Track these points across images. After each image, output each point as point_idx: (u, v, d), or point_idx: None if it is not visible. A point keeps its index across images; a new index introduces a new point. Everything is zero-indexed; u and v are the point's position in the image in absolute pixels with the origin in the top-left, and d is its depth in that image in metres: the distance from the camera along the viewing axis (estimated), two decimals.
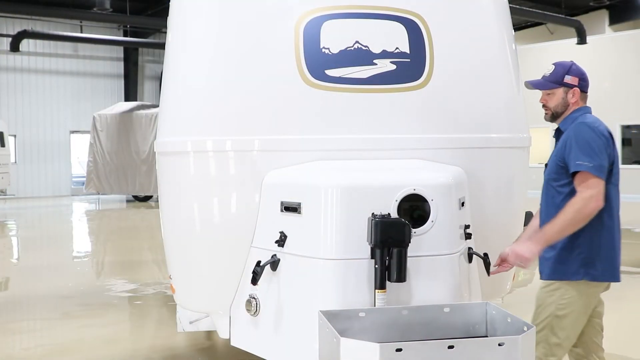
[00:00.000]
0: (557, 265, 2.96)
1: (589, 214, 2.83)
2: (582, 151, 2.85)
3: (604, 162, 2.85)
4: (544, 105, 3.09)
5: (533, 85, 3.13)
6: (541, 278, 3.04)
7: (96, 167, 17.06)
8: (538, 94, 3.20)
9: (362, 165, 3.23)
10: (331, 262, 3.02)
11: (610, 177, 2.92)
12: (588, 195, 2.81)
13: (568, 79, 3.03)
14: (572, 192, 2.90)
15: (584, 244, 2.92)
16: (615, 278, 3.00)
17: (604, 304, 3.13)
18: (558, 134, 3.09)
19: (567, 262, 2.94)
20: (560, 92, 3.05)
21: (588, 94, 3.09)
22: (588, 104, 3.15)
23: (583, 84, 3.06)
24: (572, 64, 3.08)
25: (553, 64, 3.09)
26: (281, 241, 3.14)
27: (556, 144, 3.08)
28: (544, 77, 3.09)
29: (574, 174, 2.87)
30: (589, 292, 2.97)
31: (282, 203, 3.14)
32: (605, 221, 2.92)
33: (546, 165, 3.08)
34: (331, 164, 3.30)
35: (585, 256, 2.93)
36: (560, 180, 2.97)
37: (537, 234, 2.97)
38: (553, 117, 3.08)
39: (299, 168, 3.30)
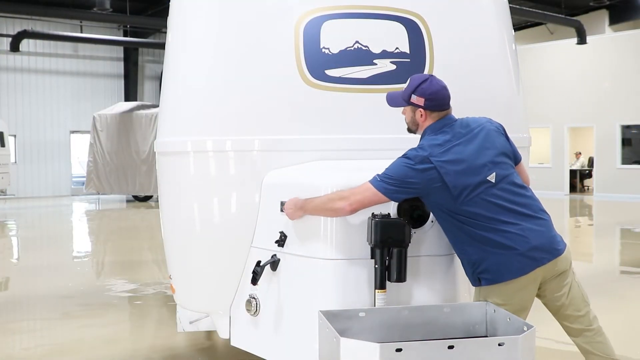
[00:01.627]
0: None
1: (335, 208, 2.86)
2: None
3: (390, 180, 2.79)
4: (405, 119, 3.05)
5: (387, 100, 3.04)
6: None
7: (96, 167, 17.06)
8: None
9: (361, 165, 3.23)
10: (331, 262, 3.03)
11: (459, 197, 2.79)
12: (347, 194, 2.84)
13: (414, 98, 2.93)
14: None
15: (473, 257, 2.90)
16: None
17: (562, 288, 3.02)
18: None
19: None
20: (409, 110, 2.99)
21: (445, 109, 2.94)
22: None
23: (429, 104, 2.91)
24: (424, 80, 2.93)
25: (410, 77, 3.00)
26: (281, 241, 3.14)
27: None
28: (402, 90, 2.99)
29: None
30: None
31: (282, 203, 3.14)
32: (470, 233, 2.83)
33: None
34: (330, 164, 3.30)
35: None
36: None
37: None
38: (409, 131, 3.04)
39: (298, 168, 3.30)
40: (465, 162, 2.82)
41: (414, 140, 3.46)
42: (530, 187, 3.03)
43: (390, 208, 2.99)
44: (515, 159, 3.03)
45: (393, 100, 3.05)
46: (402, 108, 3.04)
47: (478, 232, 2.81)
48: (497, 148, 2.92)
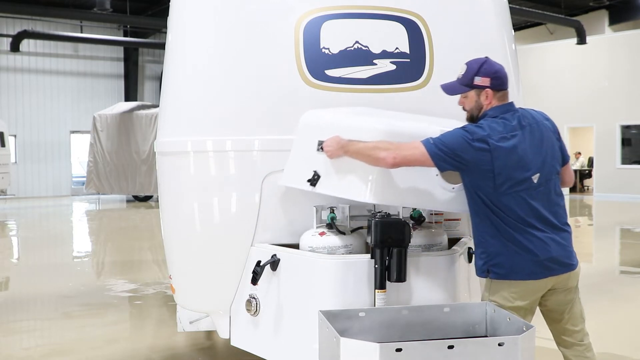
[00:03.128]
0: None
1: (378, 157, 2.81)
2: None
3: (443, 147, 2.76)
4: (463, 108, 2.98)
5: (445, 89, 3.00)
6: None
7: (96, 167, 17.06)
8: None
9: (399, 115, 3.25)
10: (331, 262, 3.03)
11: (501, 187, 2.78)
12: (394, 147, 2.80)
13: (478, 80, 2.88)
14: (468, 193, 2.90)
15: (484, 245, 2.90)
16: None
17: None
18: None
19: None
20: (472, 94, 2.91)
21: (508, 89, 2.93)
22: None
23: (496, 83, 2.88)
24: (484, 61, 2.90)
25: (465, 63, 2.94)
26: (314, 180, 3.10)
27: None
28: (457, 78, 2.95)
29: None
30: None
31: (320, 142, 3.09)
32: (497, 226, 2.83)
33: None
34: (368, 111, 3.28)
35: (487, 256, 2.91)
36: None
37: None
38: (471, 120, 2.95)
39: (337, 112, 3.28)
40: (518, 156, 2.79)
41: None
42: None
43: (390, 208, 2.99)
44: (564, 159, 3.02)
45: (452, 89, 2.98)
46: (459, 99, 2.98)
47: (505, 228, 2.81)
48: (549, 150, 2.91)
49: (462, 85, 2.93)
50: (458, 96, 3.00)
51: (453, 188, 3.02)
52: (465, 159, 2.76)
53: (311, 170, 3.12)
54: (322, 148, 3.06)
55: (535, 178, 2.82)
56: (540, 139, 2.89)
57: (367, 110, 3.30)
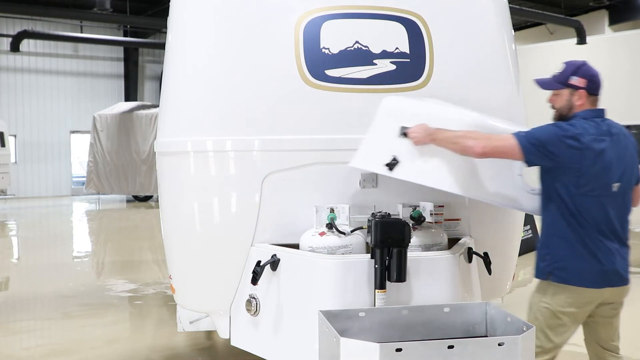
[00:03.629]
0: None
1: (467, 145, 2.83)
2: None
3: (534, 140, 2.78)
4: (552, 106, 3.01)
5: (540, 84, 3.04)
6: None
7: (96, 167, 17.04)
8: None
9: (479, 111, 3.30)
10: (331, 262, 3.03)
11: (583, 187, 2.80)
12: (484, 137, 2.83)
13: (574, 80, 2.91)
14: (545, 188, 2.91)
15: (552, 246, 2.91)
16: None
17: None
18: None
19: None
20: (565, 93, 2.94)
21: (599, 96, 2.96)
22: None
23: (592, 86, 2.92)
24: (583, 64, 2.96)
25: (564, 62, 2.99)
26: (392, 165, 3.09)
27: None
28: (553, 76, 2.99)
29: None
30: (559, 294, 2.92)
31: (403, 128, 3.09)
32: (572, 227, 2.84)
33: None
34: (450, 103, 3.33)
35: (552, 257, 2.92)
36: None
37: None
38: (560, 118, 2.96)
39: (420, 100, 3.30)
40: (605, 161, 2.81)
41: None
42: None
43: (391, 208, 2.99)
44: (638, 179, 3.04)
45: (546, 85, 3.01)
46: (551, 94, 3.00)
47: (579, 231, 2.82)
48: (629, 164, 2.93)
49: (557, 83, 2.97)
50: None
51: (533, 190, 3.04)
52: (555, 155, 2.77)
53: (390, 154, 3.11)
54: (405, 134, 3.08)
55: (615, 187, 2.85)
56: (625, 150, 2.91)
57: (449, 102, 3.34)
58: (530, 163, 2.86)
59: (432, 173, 3.06)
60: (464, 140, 2.84)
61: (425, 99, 3.37)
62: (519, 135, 2.80)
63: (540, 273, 2.96)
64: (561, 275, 2.87)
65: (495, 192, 3.11)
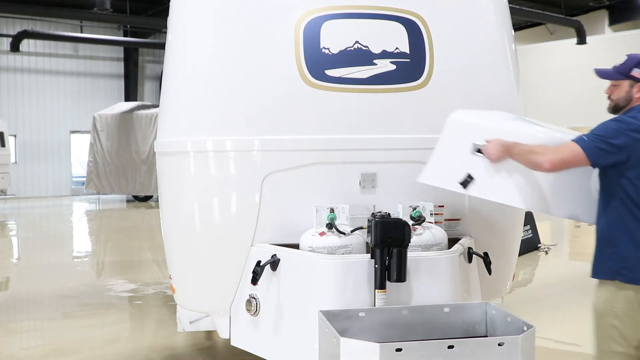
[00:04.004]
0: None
1: (536, 162, 2.80)
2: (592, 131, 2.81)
3: (598, 141, 2.75)
4: (608, 97, 2.96)
5: (599, 74, 2.99)
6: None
7: (96, 167, 17.05)
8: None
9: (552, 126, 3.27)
10: (331, 262, 3.03)
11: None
12: (550, 150, 2.79)
13: (636, 72, 2.88)
14: (605, 186, 2.85)
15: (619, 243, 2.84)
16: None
17: None
18: None
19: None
20: (625, 84, 2.91)
21: None
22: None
23: None
24: None
25: (626, 55, 2.94)
26: (465, 183, 3.05)
27: None
28: (614, 67, 2.95)
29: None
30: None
31: (476, 145, 3.04)
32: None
33: None
34: (521, 117, 3.28)
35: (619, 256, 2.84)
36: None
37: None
38: (614, 109, 2.93)
39: (491, 115, 3.27)
40: None
41: (416, 140, 3.47)
42: None
43: (391, 208, 2.99)
44: None
45: (606, 74, 2.97)
46: (609, 84, 2.96)
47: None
48: None
49: (617, 73, 2.93)
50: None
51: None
52: (622, 149, 2.73)
53: (463, 171, 3.06)
54: (479, 150, 3.02)
55: None
56: None
57: (519, 116, 3.29)
58: (597, 165, 2.83)
59: (511, 191, 2.99)
60: (533, 156, 2.81)
61: (491, 112, 3.32)
62: (581, 140, 2.76)
63: (607, 273, 2.85)
64: (628, 274, 2.78)
65: (574, 207, 3.06)
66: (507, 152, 2.93)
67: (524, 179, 2.96)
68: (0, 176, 17.04)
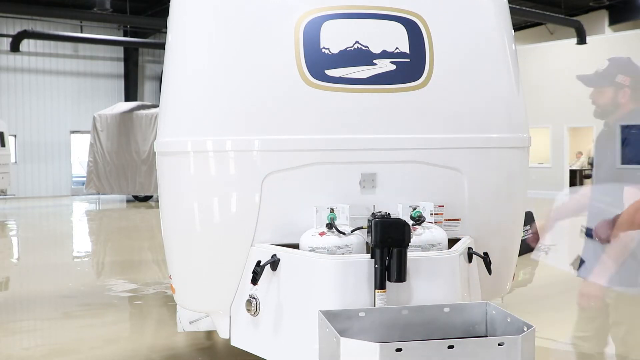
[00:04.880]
0: None
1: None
2: None
3: None
4: (593, 102, 2.95)
5: (583, 81, 2.99)
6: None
7: (96, 167, 17.06)
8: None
9: None
10: (331, 262, 3.03)
11: None
12: None
13: (620, 78, 2.89)
14: None
15: None
16: None
17: None
18: (628, 131, 2.92)
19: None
20: (610, 90, 2.91)
21: None
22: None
23: (635, 84, 2.89)
24: (627, 61, 2.90)
25: (607, 59, 2.92)
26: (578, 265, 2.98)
27: (625, 141, 2.93)
28: (596, 72, 2.93)
29: None
30: None
31: (587, 229, 3.00)
32: None
33: None
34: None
35: None
36: None
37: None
38: (602, 115, 2.91)
39: (579, 192, 3.26)
40: None
41: (414, 140, 3.48)
42: None
43: (390, 208, 2.99)
44: None
45: (589, 81, 2.93)
46: (592, 90, 2.93)
47: None
48: None
49: (602, 79, 2.91)
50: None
51: None
52: None
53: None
54: (589, 235, 2.97)
55: None
56: None
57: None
58: None
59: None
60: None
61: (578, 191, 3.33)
62: None
63: None
64: None
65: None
66: (616, 228, 2.83)
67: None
68: (0, 176, 17.05)
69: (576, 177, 20.96)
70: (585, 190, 2.88)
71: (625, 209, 2.80)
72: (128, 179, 16.77)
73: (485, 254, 3.41)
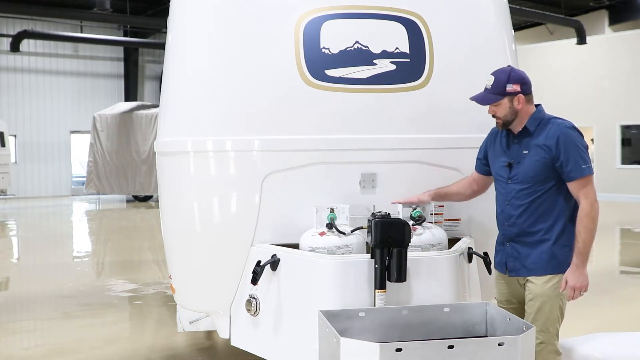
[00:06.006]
0: (551, 259, 3.03)
1: (598, 215, 2.95)
2: (583, 156, 2.95)
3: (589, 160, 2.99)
4: (493, 115, 3.10)
5: (478, 100, 3.13)
6: (534, 274, 3.04)
7: (96, 167, 17.05)
8: (538, 94, 3.20)
9: None
10: (331, 262, 3.03)
11: None
12: (594, 198, 2.94)
13: (510, 87, 3.02)
14: (554, 194, 3.01)
15: (568, 236, 3.03)
16: None
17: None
18: (521, 136, 3.08)
19: (560, 255, 3.03)
20: (505, 102, 3.04)
21: (532, 92, 3.11)
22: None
23: (525, 88, 3.05)
24: (510, 70, 3.08)
25: (492, 74, 3.08)
26: None
27: (511, 145, 3.11)
28: (486, 89, 3.08)
29: (573, 178, 2.94)
30: None
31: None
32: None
33: (509, 165, 3.08)
34: None
35: (571, 247, 3.03)
36: (545, 182, 3.01)
37: (574, 259, 2.99)
38: (504, 125, 3.09)
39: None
40: None
41: (414, 140, 3.48)
42: None
43: (390, 208, 2.99)
44: None
45: (485, 100, 3.10)
46: (489, 107, 3.09)
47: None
48: None
49: (495, 95, 3.06)
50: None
51: None
52: None
53: None
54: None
55: None
56: None
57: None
58: None
59: None
60: (593, 223, 2.94)
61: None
62: (588, 169, 2.94)
63: None
64: None
65: None
66: (586, 261, 3.02)
67: None
68: (0, 176, 17.04)
69: None
70: None
71: (578, 238, 2.99)
72: (128, 179, 16.77)
73: (485, 254, 3.41)
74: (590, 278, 3.01)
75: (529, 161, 3.03)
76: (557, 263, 3.02)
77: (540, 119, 3.06)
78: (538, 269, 3.04)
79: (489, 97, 3.07)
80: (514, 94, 3.03)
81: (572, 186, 2.96)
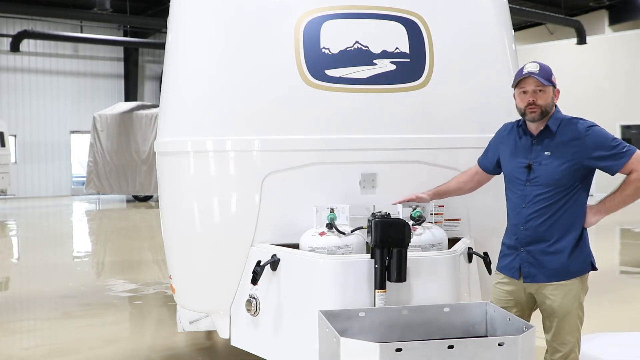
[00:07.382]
0: (570, 265, 2.97)
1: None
2: (618, 142, 2.90)
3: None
4: (532, 103, 2.93)
5: (539, 75, 2.92)
6: (553, 280, 2.95)
7: (96, 167, 17.05)
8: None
9: None
10: (331, 262, 3.03)
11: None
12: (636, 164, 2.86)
13: (553, 78, 2.99)
14: (574, 199, 2.95)
15: (585, 239, 3.01)
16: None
17: None
18: (541, 136, 2.97)
19: (578, 260, 2.98)
20: (550, 90, 2.97)
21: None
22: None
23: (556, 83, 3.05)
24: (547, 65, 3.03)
25: (535, 62, 2.97)
26: None
27: (530, 146, 2.99)
28: (531, 73, 2.93)
29: (622, 165, 2.87)
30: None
31: None
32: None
33: (528, 167, 2.96)
34: None
35: (588, 251, 3.02)
36: (568, 187, 2.93)
37: (601, 206, 2.98)
38: (542, 115, 2.94)
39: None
40: None
41: (414, 140, 3.48)
42: None
43: (390, 208, 2.99)
44: None
45: (543, 79, 2.95)
46: (530, 92, 2.95)
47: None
48: None
49: (545, 79, 2.94)
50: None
51: None
52: None
53: None
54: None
55: None
56: None
57: None
58: None
59: None
60: (637, 192, 2.90)
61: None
62: (632, 149, 2.88)
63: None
64: None
65: None
66: (607, 214, 3.02)
67: None
68: (0, 176, 17.04)
69: None
70: None
71: (613, 195, 2.97)
72: (128, 179, 16.76)
73: (485, 254, 3.42)
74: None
75: (554, 164, 2.91)
76: (576, 268, 2.96)
77: (561, 119, 2.98)
78: (557, 275, 2.93)
79: (542, 80, 2.93)
80: (555, 86, 2.97)
81: (625, 170, 2.88)
